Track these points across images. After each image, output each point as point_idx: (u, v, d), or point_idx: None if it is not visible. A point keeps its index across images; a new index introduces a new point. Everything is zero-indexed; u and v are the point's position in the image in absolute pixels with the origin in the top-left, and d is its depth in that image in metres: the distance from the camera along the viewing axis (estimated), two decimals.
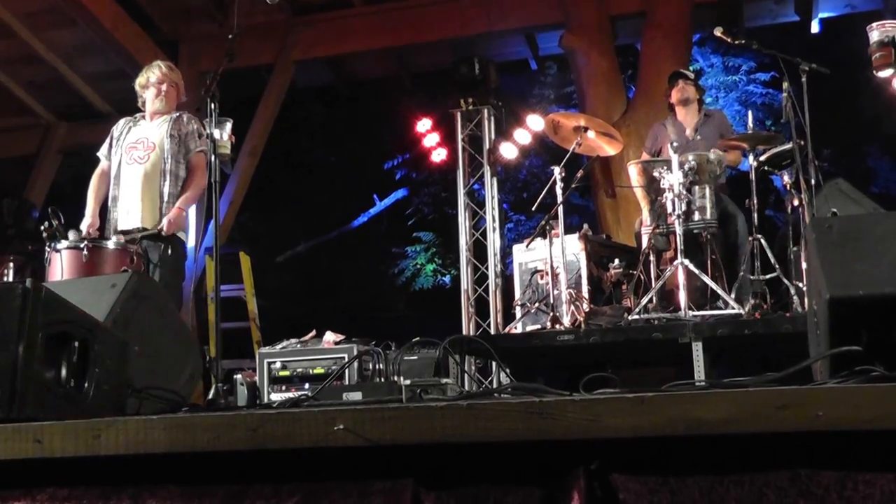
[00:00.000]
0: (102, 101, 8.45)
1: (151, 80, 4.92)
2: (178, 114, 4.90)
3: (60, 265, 4.19)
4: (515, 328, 5.62)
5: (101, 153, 4.99)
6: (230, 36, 3.38)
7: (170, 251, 4.65)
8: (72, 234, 4.32)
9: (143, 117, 4.96)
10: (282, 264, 12.86)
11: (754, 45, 5.16)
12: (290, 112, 8.92)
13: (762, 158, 5.04)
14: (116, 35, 7.41)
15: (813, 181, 4.53)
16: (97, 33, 7.37)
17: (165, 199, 4.73)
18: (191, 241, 7.81)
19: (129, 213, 4.73)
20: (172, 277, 4.65)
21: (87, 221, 4.76)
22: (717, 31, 5.04)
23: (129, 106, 8.06)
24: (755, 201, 4.87)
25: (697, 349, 4.32)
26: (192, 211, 7.88)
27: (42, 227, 4.37)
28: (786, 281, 4.78)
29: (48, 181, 8.80)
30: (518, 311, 5.78)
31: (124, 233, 4.58)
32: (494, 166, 7.66)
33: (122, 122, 5.03)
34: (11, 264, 6.38)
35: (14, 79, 8.26)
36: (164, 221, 4.63)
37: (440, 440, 1.75)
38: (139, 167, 4.78)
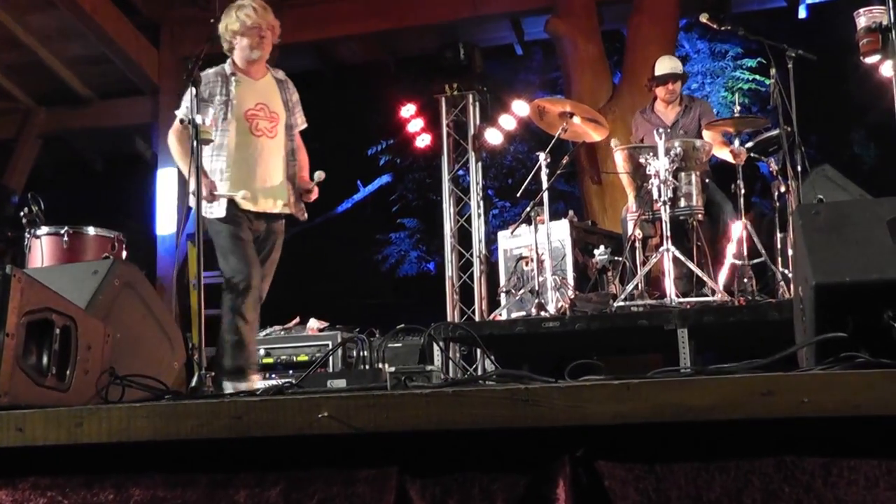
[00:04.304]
0: (83, 85, 8.35)
1: (248, 25, 4.02)
2: (282, 76, 4.27)
3: (41, 251, 4.16)
4: (500, 315, 5.62)
5: (182, 113, 3.90)
6: (212, 20, 3.34)
7: (283, 234, 4.25)
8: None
9: (236, 73, 4.07)
10: None
11: (741, 31, 5.14)
12: None
13: (749, 145, 5.04)
14: (96, 18, 7.31)
15: (799, 167, 4.53)
16: (77, 17, 7.27)
17: (292, 181, 4.15)
18: (173, 227, 7.79)
19: (268, 197, 4.06)
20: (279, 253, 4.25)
21: (205, 183, 3.64)
22: (704, 17, 5.01)
23: (111, 90, 7.93)
24: (741, 185, 4.87)
25: (683, 336, 4.33)
26: (174, 196, 7.87)
27: (22, 213, 4.33)
28: (772, 267, 4.80)
29: (28, 167, 8.70)
30: (503, 298, 5.78)
31: (266, 217, 4.07)
32: (479, 152, 7.64)
33: (210, 76, 3.97)
34: None
35: None
36: (301, 207, 4.17)
37: (425, 427, 1.76)
38: (269, 142, 4.06)
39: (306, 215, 4.22)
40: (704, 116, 5.54)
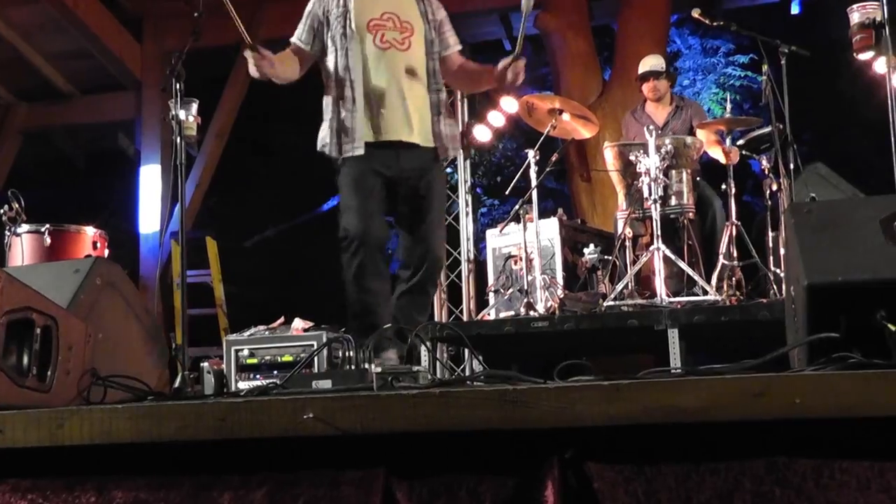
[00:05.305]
0: (65, 80, 8.26)
1: None
2: None
3: (21, 250, 4.13)
4: (489, 315, 5.59)
5: (298, 38, 3.54)
6: (196, 14, 3.29)
7: (443, 176, 3.57)
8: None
9: None
10: (249, 249, 12.72)
11: (733, 26, 5.11)
12: (259, 93, 8.78)
13: (740, 142, 5.03)
14: (78, 12, 7.23)
15: (792, 165, 4.51)
16: (58, 10, 7.19)
17: (437, 108, 3.44)
18: (156, 225, 7.73)
19: (403, 123, 3.39)
20: (443, 208, 3.57)
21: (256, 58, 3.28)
22: (695, 13, 4.98)
23: (93, 85, 7.84)
24: (732, 185, 4.86)
25: (673, 336, 4.31)
26: (158, 194, 7.81)
27: (2, 211, 4.28)
28: (763, 267, 4.78)
29: (8, 163, 8.60)
30: (491, 298, 5.75)
31: (382, 144, 3.36)
32: (468, 149, 7.61)
33: None
34: None
35: None
36: (450, 143, 3.45)
37: (412, 429, 1.74)
38: (400, 55, 3.40)
39: (451, 154, 3.51)
40: (696, 118, 5.52)
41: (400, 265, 3.56)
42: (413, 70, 3.42)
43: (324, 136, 3.50)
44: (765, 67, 4.64)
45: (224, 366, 4.74)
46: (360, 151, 3.36)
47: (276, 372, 4.63)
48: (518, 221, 5.29)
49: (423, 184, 3.45)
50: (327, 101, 3.49)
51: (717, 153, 5.17)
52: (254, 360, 4.76)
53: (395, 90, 3.40)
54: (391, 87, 3.39)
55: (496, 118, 7.52)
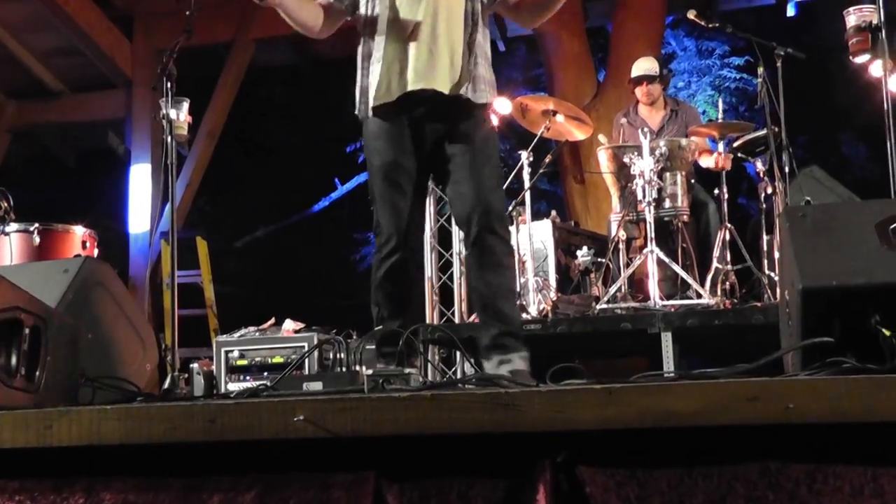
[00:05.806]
0: (54, 78, 8.20)
1: None
2: None
3: (10, 249, 4.10)
4: None
5: None
6: (188, 12, 3.27)
7: (482, 122, 3.21)
8: None
9: None
10: (240, 250, 12.70)
11: (728, 28, 5.10)
12: (250, 92, 8.77)
13: (735, 145, 5.02)
14: (68, 9, 7.18)
15: (787, 169, 4.50)
16: (48, 7, 7.15)
17: (475, 52, 3.17)
18: (146, 225, 7.70)
19: (435, 71, 3.13)
20: (489, 152, 3.17)
21: None
22: (691, 14, 4.97)
23: (83, 83, 7.79)
24: (725, 191, 4.85)
25: (667, 340, 4.28)
26: (148, 194, 7.78)
27: None
28: (756, 272, 4.78)
29: None
30: None
31: (411, 97, 3.11)
32: None
33: None
34: None
35: None
36: (488, 86, 3.19)
37: (403, 432, 1.74)
38: None
39: (489, 98, 3.21)
40: (692, 123, 5.47)
41: (457, 223, 3.28)
42: (450, 13, 3.16)
43: (355, 98, 3.26)
44: (760, 70, 4.63)
45: (214, 367, 4.72)
46: (380, 102, 3.14)
47: (266, 373, 4.61)
48: (511, 223, 5.27)
49: (462, 132, 3.15)
50: (358, 61, 3.26)
51: (708, 162, 5.15)
52: (244, 362, 4.74)
53: (427, 37, 3.13)
54: (423, 34, 3.13)
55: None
